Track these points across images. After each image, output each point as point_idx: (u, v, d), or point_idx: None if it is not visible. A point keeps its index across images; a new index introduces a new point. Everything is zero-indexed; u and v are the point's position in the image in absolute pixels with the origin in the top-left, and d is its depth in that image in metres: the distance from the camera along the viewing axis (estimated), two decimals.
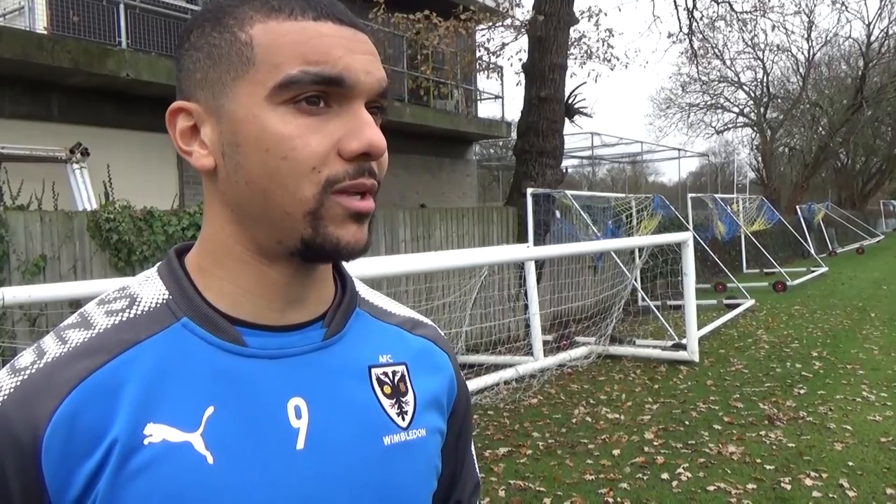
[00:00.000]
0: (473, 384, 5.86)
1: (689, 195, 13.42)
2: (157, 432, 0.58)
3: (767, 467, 4.23)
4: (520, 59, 10.26)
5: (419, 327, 0.77)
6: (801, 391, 5.94)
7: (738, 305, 10.54)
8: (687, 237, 7.52)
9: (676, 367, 6.99)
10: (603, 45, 11.61)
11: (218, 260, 0.64)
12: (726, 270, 12.37)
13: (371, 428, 0.66)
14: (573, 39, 10.39)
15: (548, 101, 9.44)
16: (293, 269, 0.63)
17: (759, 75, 30.16)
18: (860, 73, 27.21)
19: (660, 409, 5.56)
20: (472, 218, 8.67)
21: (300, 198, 0.59)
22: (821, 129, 29.80)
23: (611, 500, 3.85)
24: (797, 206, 20.29)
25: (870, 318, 9.58)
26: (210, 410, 0.59)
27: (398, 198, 12.21)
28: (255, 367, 0.62)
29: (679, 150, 23.62)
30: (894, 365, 6.78)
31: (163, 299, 0.63)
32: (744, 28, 17.82)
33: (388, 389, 0.68)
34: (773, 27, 28.18)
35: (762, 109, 30.41)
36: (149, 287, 0.65)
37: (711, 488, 3.94)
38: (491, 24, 10.88)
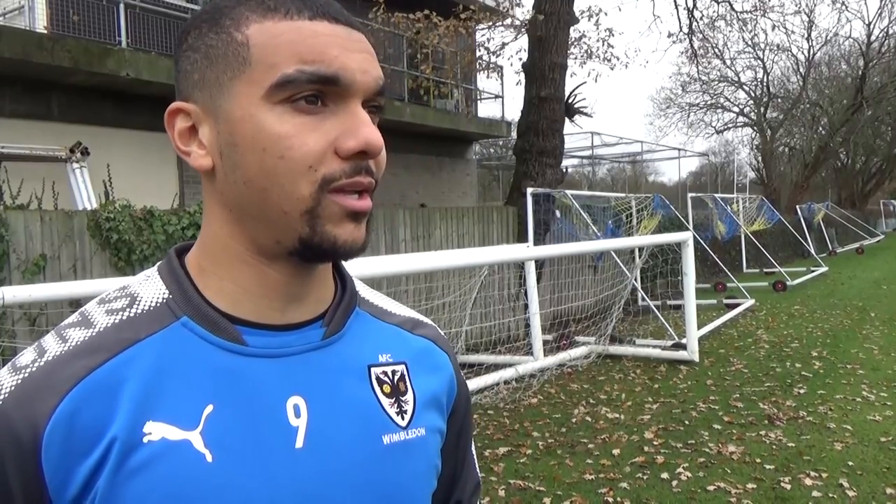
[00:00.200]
0: (473, 384, 5.86)
1: (689, 195, 13.42)
2: (156, 430, 0.58)
3: (767, 467, 4.23)
4: (520, 59, 10.27)
5: (419, 327, 0.77)
6: (801, 391, 5.94)
7: (738, 305, 10.54)
8: (687, 237, 7.52)
9: (676, 366, 6.99)
10: (603, 44, 11.64)
11: (218, 260, 0.64)
12: (726, 270, 12.37)
13: (370, 427, 0.66)
14: (573, 39, 10.40)
15: (548, 101, 9.44)
16: (293, 269, 0.64)
17: (759, 75, 30.21)
18: (860, 72, 27.21)
19: (660, 408, 5.56)
20: (472, 217, 8.67)
21: (297, 197, 0.59)
22: (821, 128, 29.81)
23: (610, 499, 3.85)
24: (797, 206, 20.28)
25: (870, 318, 9.58)
26: (209, 409, 0.60)
27: (398, 197, 12.21)
28: (254, 366, 0.62)
29: (679, 149, 23.64)
30: (894, 365, 6.78)
31: (163, 298, 0.64)
32: (744, 28, 17.82)
33: (387, 389, 0.68)
34: (774, 27, 28.20)
35: (762, 109, 30.41)
36: (149, 286, 0.65)
37: (711, 488, 3.94)
38: (491, 23, 10.88)
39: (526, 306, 7.61)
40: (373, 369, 0.69)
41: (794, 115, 30.24)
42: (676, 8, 14.88)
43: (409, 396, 0.70)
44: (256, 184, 0.59)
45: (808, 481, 3.99)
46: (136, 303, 0.64)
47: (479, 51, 11.53)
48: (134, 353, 0.60)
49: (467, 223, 8.57)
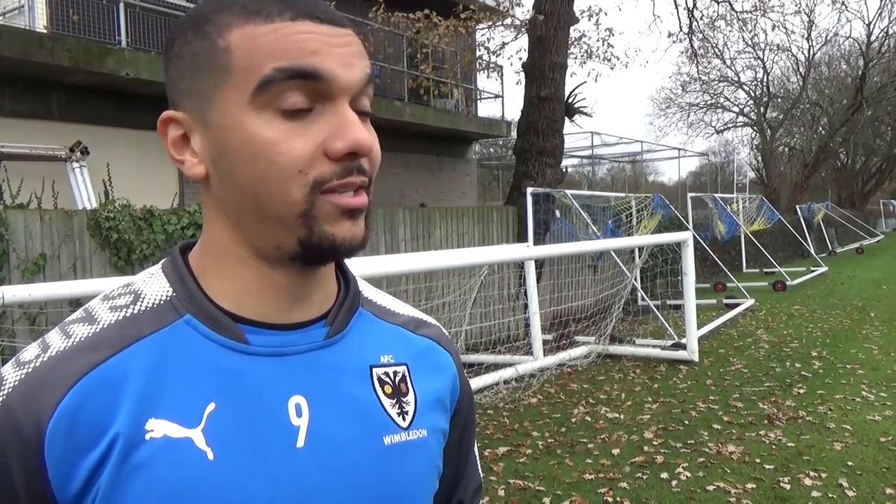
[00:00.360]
0: (473, 383, 5.86)
1: (689, 195, 13.42)
2: (158, 427, 0.58)
3: (767, 467, 4.23)
4: (520, 59, 10.27)
5: (423, 327, 0.77)
6: (801, 391, 5.94)
7: (737, 305, 10.54)
8: (687, 237, 7.52)
9: (676, 366, 7.00)
10: (603, 44, 11.64)
11: (220, 261, 0.64)
12: (726, 270, 12.38)
13: (371, 427, 0.66)
14: (573, 39, 10.40)
15: (548, 101, 9.44)
16: (296, 271, 0.64)
17: (759, 75, 30.23)
18: (860, 72, 27.22)
19: (659, 408, 5.56)
20: (471, 217, 8.67)
21: (290, 201, 0.59)
22: (821, 128, 29.82)
23: (610, 499, 3.85)
24: (797, 206, 20.29)
25: (869, 318, 9.58)
26: (211, 407, 0.60)
27: (398, 197, 12.21)
28: (256, 365, 0.62)
29: (679, 149, 23.64)
30: (894, 365, 6.78)
31: (167, 296, 0.64)
32: (744, 27, 17.83)
33: (388, 389, 0.68)
34: (774, 27, 28.17)
35: (762, 109, 30.42)
36: (153, 284, 0.65)
37: (711, 488, 3.94)
38: (491, 23, 10.89)
39: (526, 306, 7.61)
40: (374, 370, 0.69)
41: (794, 115, 30.25)
42: (676, 8, 14.90)
43: (411, 397, 0.70)
44: (250, 190, 0.60)
45: (808, 481, 3.99)
46: (140, 300, 0.64)
47: (479, 50, 11.53)
48: (137, 349, 0.60)
49: (467, 223, 8.57)
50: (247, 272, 0.64)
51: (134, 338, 0.61)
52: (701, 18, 15.60)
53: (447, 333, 0.81)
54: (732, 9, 16.24)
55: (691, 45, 15.61)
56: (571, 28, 9.92)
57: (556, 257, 8.45)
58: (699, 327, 7.78)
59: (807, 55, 29.25)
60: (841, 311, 10.33)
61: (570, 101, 9.97)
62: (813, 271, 14.95)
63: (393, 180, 12.02)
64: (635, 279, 9.32)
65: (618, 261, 8.82)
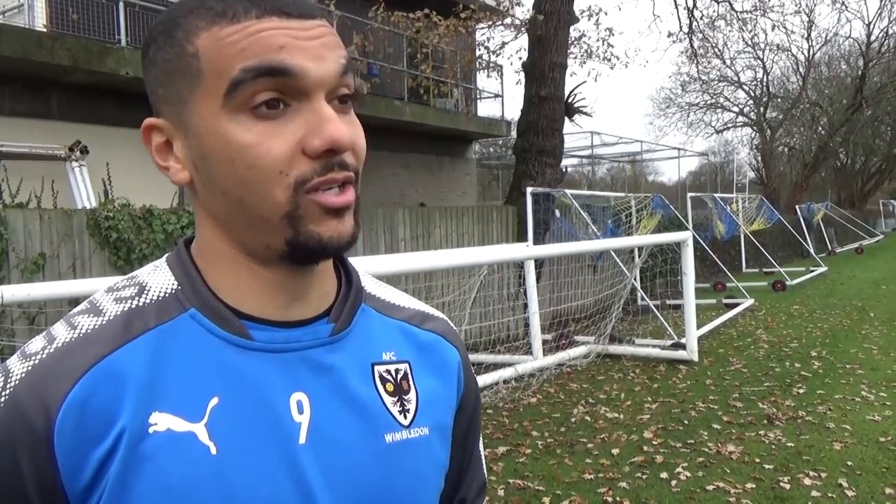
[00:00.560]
0: None
1: (689, 194, 13.43)
2: (161, 421, 0.58)
3: (766, 467, 4.23)
4: (520, 58, 10.27)
5: (428, 321, 0.77)
6: (801, 391, 5.94)
7: (737, 305, 10.54)
8: (686, 237, 7.52)
9: (676, 366, 7.00)
10: (603, 44, 11.64)
11: (215, 261, 0.64)
12: (726, 270, 12.38)
13: (372, 425, 0.65)
14: (573, 38, 10.40)
15: (548, 100, 9.44)
16: (288, 270, 0.63)
17: (759, 75, 30.23)
18: (860, 72, 27.22)
19: (659, 408, 5.56)
20: (471, 217, 8.67)
21: (274, 203, 0.58)
22: (820, 128, 29.82)
23: (610, 499, 3.85)
24: (797, 206, 20.29)
25: (869, 318, 9.59)
26: (214, 401, 0.60)
27: (398, 196, 12.21)
28: (259, 361, 0.62)
29: (679, 149, 23.66)
30: (893, 365, 6.78)
31: (172, 289, 0.64)
32: (744, 27, 17.83)
33: (390, 387, 0.68)
34: (773, 27, 28.11)
35: (762, 109, 30.43)
36: (158, 276, 0.65)
37: (710, 488, 3.94)
38: (491, 22, 10.88)
39: (525, 306, 7.61)
40: (376, 367, 0.68)
41: (794, 115, 30.25)
42: (676, 8, 14.90)
43: (412, 395, 0.70)
44: (233, 194, 0.59)
45: (808, 481, 3.99)
46: (145, 292, 0.64)
47: (479, 50, 11.54)
48: (142, 342, 0.60)
49: (467, 222, 8.57)
50: (242, 272, 0.63)
51: (139, 331, 0.61)
52: (701, 18, 15.62)
53: (454, 327, 0.80)
54: (732, 9, 16.26)
55: (691, 45, 15.63)
56: (571, 28, 9.92)
57: (555, 257, 8.45)
58: (699, 327, 7.78)
59: (807, 55, 29.28)
60: (840, 311, 10.33)
61: (569, 100, 9.96)
62: (812, 271, 14.95)
63: (392, 180, 12.02)
64: (635, 279, 9.32)
65: (617, 261, 8.82)
